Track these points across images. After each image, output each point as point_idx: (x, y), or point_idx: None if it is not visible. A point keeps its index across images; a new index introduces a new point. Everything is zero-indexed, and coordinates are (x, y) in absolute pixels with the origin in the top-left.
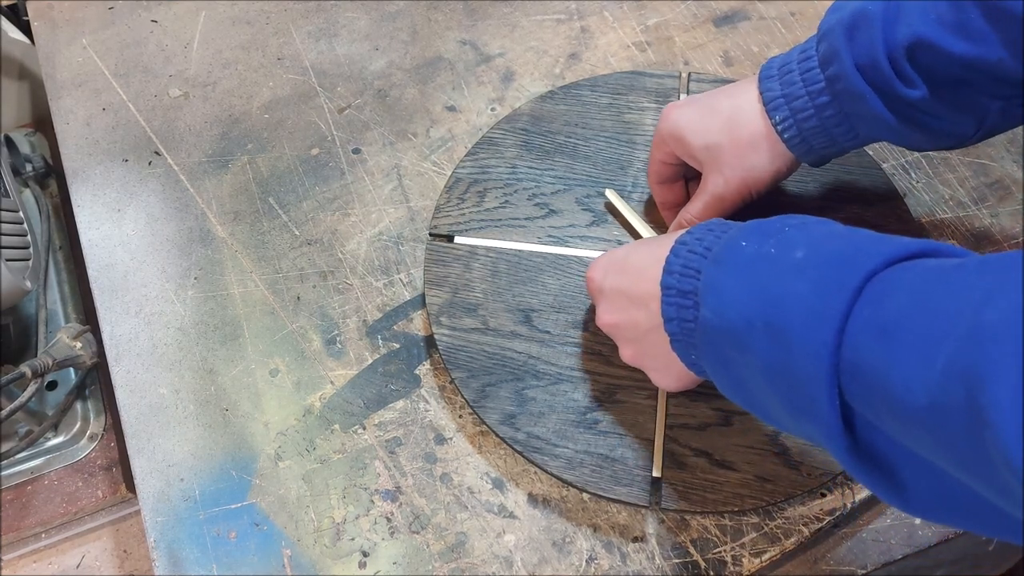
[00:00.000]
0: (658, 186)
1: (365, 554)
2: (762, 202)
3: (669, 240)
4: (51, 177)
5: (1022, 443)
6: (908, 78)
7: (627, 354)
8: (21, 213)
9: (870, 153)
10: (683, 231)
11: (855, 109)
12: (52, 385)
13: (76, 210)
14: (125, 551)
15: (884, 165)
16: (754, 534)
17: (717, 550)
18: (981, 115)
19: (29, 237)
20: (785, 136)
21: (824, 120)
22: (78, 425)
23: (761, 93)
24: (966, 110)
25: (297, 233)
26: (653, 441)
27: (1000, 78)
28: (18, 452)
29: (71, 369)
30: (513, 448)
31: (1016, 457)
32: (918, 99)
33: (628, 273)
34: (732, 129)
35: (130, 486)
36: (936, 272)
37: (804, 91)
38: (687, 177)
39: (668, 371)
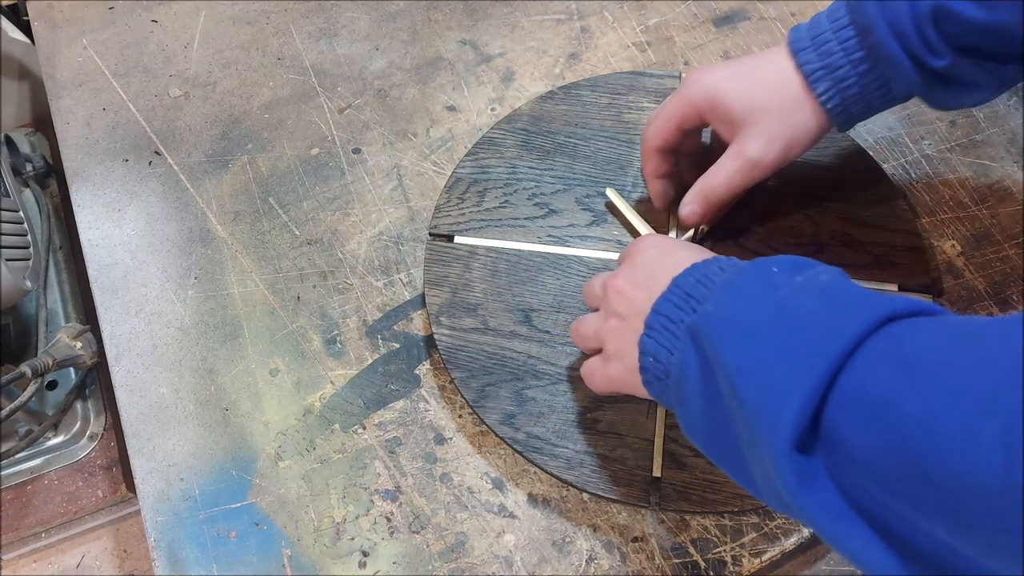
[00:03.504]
0: (657, 154)
1: (365, 554)
2: (759, 206)
3: (687, 256)
4: (51, 177)
5: None
6: (934, 46)
7: (603, 325)
8: (21, 213)
9: (870, 153)
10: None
11: (892, 74)
12: (52, 385)
13: (76, 210)
14: (125, 551)
15: (884, 165)
16: (754, 534)
17: (717, 550)
18: (1000, 77)
19: (29, 237)
20: (828, 106)
21: (864, 87)
22: (78, 425)
23: (799, 65)
24: (987, 72)
25: (297, 233)
26: (653, 441)
27: (1017, 40)
28: (18, 452)
29: (71, 369)
30: (513, 448)
31: None
32: (943, 67)
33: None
34: (777, 91)
35: (130, 486)
36: (958, 321)
37: (845, 60)
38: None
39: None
